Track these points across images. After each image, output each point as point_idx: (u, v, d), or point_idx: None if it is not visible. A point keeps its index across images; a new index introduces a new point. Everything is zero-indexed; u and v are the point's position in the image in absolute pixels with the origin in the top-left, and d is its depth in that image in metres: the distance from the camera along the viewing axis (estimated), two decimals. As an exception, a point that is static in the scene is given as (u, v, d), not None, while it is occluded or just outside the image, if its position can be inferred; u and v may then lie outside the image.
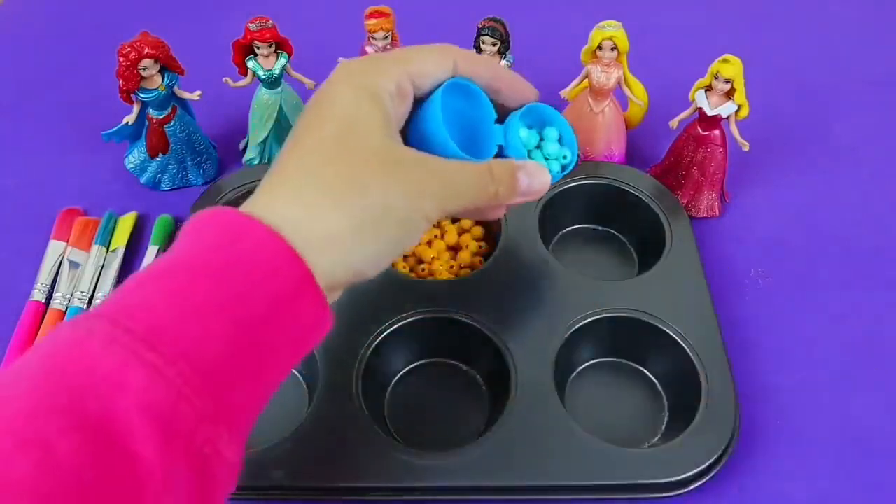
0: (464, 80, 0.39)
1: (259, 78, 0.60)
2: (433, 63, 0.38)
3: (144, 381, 0.27)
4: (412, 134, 0.39)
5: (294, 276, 0.31)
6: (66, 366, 0.27)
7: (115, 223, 0.61)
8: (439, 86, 0.38)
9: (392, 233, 0.34)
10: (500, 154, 0.40)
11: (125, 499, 0.26)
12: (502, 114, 0.41)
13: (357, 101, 0.34)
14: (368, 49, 0.60)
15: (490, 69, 0.40)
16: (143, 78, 0.57)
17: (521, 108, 0.41)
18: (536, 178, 0.39)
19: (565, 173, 0.42)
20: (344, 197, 0.32)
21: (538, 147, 0.42)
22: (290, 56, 0.60)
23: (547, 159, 0.42)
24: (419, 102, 0.38)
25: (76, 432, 0.26)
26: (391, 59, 0.37)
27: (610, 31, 0.57)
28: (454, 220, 0.61)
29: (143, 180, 0.64)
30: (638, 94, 0.60)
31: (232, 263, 0.30)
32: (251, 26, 0.58)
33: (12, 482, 0.24)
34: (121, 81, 0.57)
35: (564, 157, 0.42)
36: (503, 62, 0.59)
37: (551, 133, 0.42)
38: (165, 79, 0.58)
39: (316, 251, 0.31)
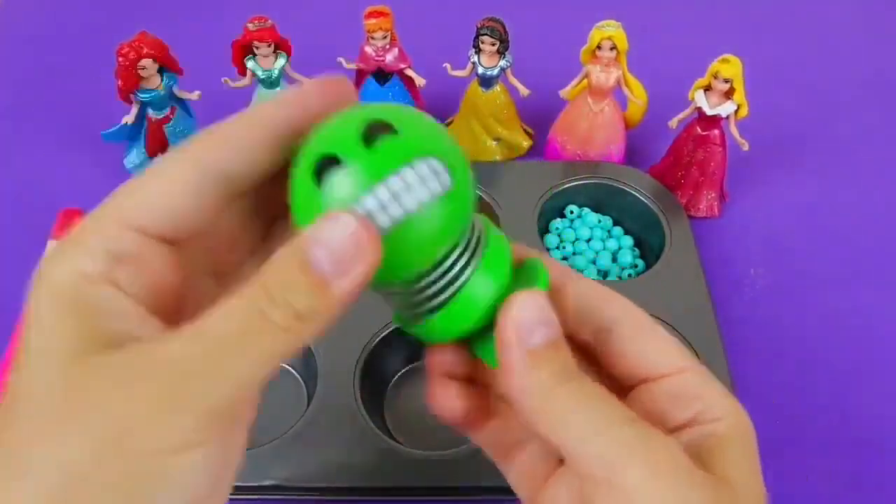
0: None
1: (258, 78, 0.60)
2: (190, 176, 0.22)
3: None
4: None
5: None
6: None
7: (115, 223, 0.61)
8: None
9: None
10: None
11: None
12: None
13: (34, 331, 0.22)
14: (367, 49, 0.60)
15: None
16: (142, 78, 0.57)
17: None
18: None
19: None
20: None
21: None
22: (289, 56, 0.60)
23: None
24: None
25: None
26: (92, 225, 0.22)
27: (609, 30, 0.57)
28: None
29: (142, 180, 0.64)
30: (637, 93, 0.60)
31: None
32: (250, 26, 0.58)
33: None
34: (120, 81, 0.57)
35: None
36: (502, 62, 0.59)
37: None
38: (164, 79, 0.58)
39: None
